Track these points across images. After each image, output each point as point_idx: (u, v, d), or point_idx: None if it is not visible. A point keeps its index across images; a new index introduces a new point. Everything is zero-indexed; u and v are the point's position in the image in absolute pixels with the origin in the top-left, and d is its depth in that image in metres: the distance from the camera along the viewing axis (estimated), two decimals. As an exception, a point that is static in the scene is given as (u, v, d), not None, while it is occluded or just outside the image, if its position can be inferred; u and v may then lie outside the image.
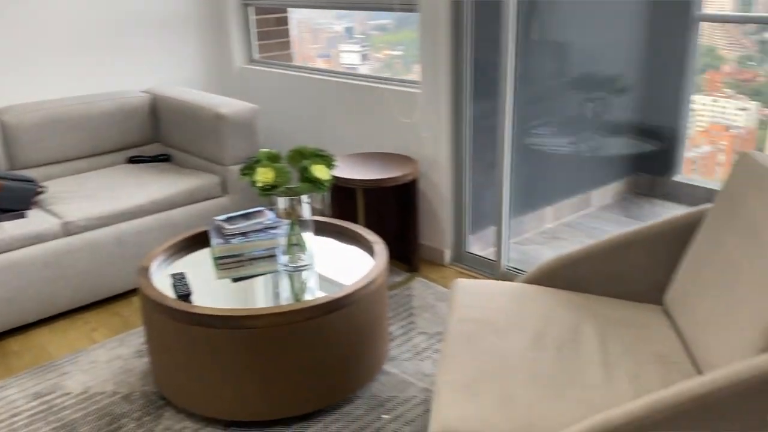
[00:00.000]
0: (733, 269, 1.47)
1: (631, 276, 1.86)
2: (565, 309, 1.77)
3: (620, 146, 3.88)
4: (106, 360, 2.30)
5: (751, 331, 1.32)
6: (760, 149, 4.97)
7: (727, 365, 1.21)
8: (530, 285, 1.92)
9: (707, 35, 5.26)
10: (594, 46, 3.49)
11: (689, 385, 1.18)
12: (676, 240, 1.80)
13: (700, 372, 1.48)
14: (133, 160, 3.19)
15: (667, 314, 1.76)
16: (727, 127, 5.20)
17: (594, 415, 1.23)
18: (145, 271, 2.06)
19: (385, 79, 3.06)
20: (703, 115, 5.32)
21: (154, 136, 3.31)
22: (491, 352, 1.56)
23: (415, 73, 2.95)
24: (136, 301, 2.72)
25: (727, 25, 4.85)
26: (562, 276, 1.91)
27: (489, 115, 2.71)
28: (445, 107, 2.73)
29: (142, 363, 2.27)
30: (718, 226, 1.61)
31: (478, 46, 2.69)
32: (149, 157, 3.21)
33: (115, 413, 2.01)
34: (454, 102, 2.74)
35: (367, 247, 2.24)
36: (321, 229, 2.40)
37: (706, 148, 5.27)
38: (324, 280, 2.09)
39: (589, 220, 3.57)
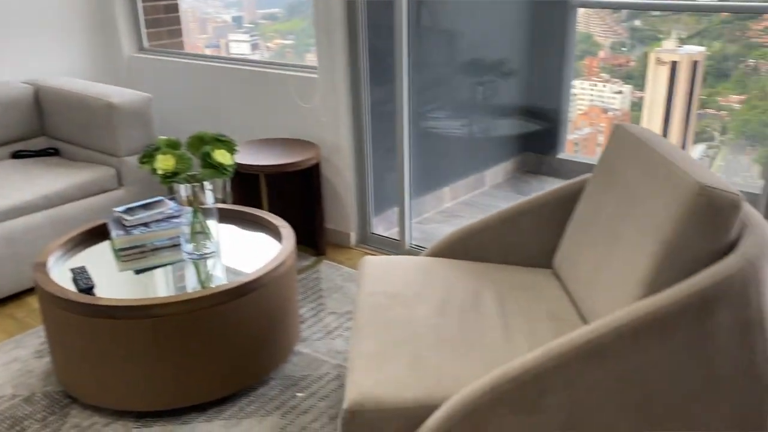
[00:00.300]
0: (611, 230, 1.63)
1: (523, 244, 2.00)
2: (466, 277, 1.88)
3: (509, 127, 4.09)
4: (2, 363, 2.19)
5: (628, 283, 1.47)
6: None
7: (608, 314, 1.35)
8: (433, 258, 2.02)
9: (584, 23, 5.61)
10: (481, 33, 3.66)
11: (575, 334, 1.31)
12: (561, 208, 1.96)
13: (587, 324, 1.63)
14: (17, 155, 3.02)
15: (557, 276, 1.91)
16: (605, 110, 5.58)
17: (494, 370, 1.34)
18: (41, 266, 1.98)
19: (283, 64, 3.07)
20: (583, 99, 5.68)
21: (39, 129, 3.14)
22: (400, 322, 1.64)
23: (311, 60, 2.98)
24: (31, 301, 2.60)
25: (601, 12, 5.19)
26: (462, 247, 2.03)
27: (388, 101, 2.79)
28: (343, 92, 2.78)
29: (43, 363, 2.18)
30: (597, 193, 1.77)
31: (373, 32, 2.76)
32: (35, 151, 3.05)
33: (17, 416, 1.93)
34: (352, 87, 2.80)
35: (274, 231, 2.26)
36: (225, 217, 2.39)
37: (587, 130, 5.64)
38: (231, 267, 2.09)
39: (484, 198, 3.75)
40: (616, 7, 4.81)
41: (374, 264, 1.97)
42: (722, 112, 5.22)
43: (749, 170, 5.03)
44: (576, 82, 5.72)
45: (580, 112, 5.69)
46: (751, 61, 4.80)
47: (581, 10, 5.18)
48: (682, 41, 4.93)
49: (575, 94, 5.70)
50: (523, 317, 1.69)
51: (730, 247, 1.36)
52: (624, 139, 1.74)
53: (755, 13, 4.06)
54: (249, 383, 2.01)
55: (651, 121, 5.23)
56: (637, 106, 5.41)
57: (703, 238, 1.33)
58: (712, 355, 1.29)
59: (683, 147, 5.10)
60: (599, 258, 1.65)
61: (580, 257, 1.76)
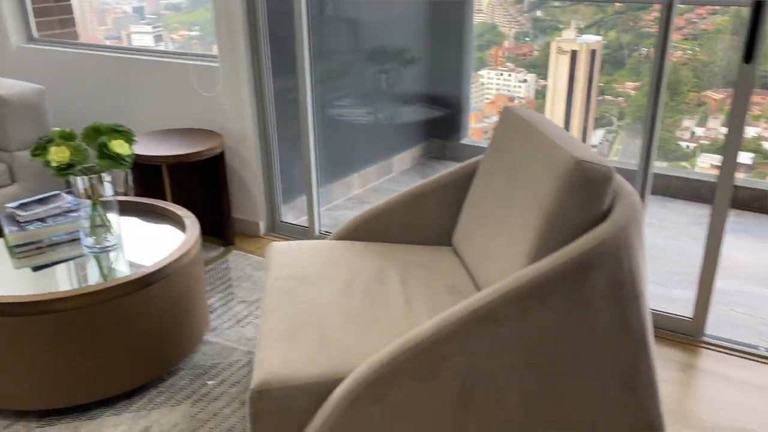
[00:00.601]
0: (500, 206, 1.73)
1: (424, 224, 2.09)
2: (371, 258, 1.94)
3: (414, 114, 4.20)
4: None
5: (516, 254, 1.58)
6: None
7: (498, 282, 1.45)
8: (339, 241, 2.07)
9: (489, 13, 5.80)
10: (383, 21, 3.73)
11: (467, 302, 1.40)
12: (458, 189, 2.05)
13: (482, 296, 1.74)
14: None
15: (456, 252, 2.01)
16: (511, 98, 5.79)
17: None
18: (-74, 267, 1.88)
19: (183, 54, 3.02)
20: (490, 88, 5.87)
21: None
22: (307, 303, 1.69)
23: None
24: None
25: (505, 3, 5.37)
26: (367, 230, 2.09)
27: (293, 89, 2.81)
28: (246, 81, 2.78)
29: (-67, 370, 2.07)
30: (488, 172, 1.88)
31: (275, 21, 2.76)
32: None
33: None
34: (254, 76, 2.80)
35: (178, 222, 2.24)
36: (127, 209, 2.35)
37: (494, 118, 5.84)
38: (134, 259, 2.06)
39: (392, 184, 3.84)
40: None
41: (281, 249, 2.00)
42: (619, 98, 5.54)
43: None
44: (483, 72, 5.90)
45: (487, 101, 5.88)
46: (643, 50, 5.12)
47: (484, 1, 5.34)
48: (581, 31, 5.19)
49: (483, 84, 5.88)
50: (424, 292, 1.77)
51: (604, 216, 1.48)
52: (511, 120, 1.85)
53: (645, 3, 4.34)
54: (157, 374, 1.99)
55: (554, 108, 5.47)
56: (541, 94, 5.65)
57: (580, 208, 1.45)
58: (590, 314, 1.41)
59: (584, 132, 5.39)
60: (491, 233, 1.75)
61: (475, 233, 1.86)
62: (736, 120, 1.97)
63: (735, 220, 3.27)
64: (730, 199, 2.07)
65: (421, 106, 4.20)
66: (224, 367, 2.08)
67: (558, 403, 1.45)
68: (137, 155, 2.57)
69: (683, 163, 5.03)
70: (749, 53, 1.88)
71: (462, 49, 4.06)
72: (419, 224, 2.09)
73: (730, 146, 2.01)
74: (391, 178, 3.91)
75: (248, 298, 2.48)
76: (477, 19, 5.68)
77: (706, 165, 5.16)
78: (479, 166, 1.99)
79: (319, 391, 1.42)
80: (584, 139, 5.32)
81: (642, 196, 2.22)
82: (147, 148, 2.65)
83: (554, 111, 5.43)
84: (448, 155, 4.20)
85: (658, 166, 4.25)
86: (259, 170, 2.93)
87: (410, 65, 3.98)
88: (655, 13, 4.90)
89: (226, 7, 2.70)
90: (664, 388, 2.02)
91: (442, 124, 4.24)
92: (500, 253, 1.67)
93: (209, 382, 2.01)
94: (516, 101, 5.75)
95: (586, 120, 5.24)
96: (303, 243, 2.04)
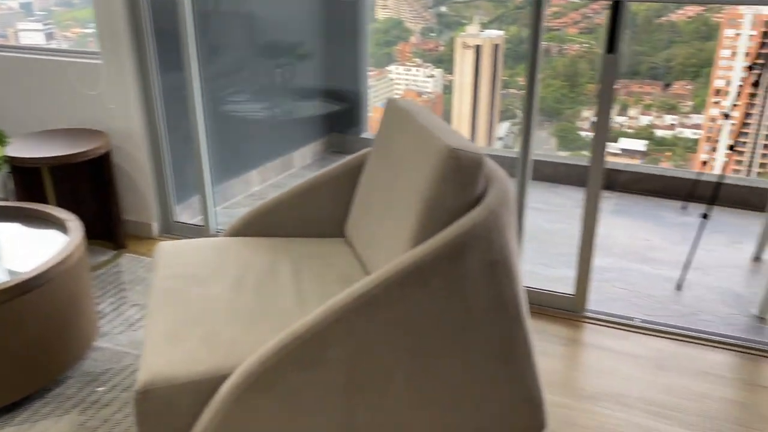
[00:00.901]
0: (386, 195, 1.78)
1: (316, 216, 2.10)
2: (263, 253, 1.94)
3: (314, 109, 4.20)
4: None
5: (400, 240, 1.62)
6: (448, 111, 5.76)
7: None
8: (230, 238, 2.05)
9: (395, 9, 5.86)
10: (277, 16, 3.71)
11: (350, 289, 1.43)
12: (348, 181, 2.09)
13: (371, 284, 1.78)
14: None
15: (349, 243, 2.05)
16: (420, 93, 5.88)
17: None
18: None
19: (63, 51, 2.89)
20: (399, 83, 5.94)
21: None
22: (194, 301, 1.67)
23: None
24: None
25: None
26: (259, 225, 2.09)
27: (183, 86, 2.75)
28: (131, 78, 2.69)
29: None
30: (375, 163, 1.92)
31: (160, 16, 2.69)
32: None
33: None
34: (140, 73, 2.72)
35: (60, 226, 2.15)
36: (6, 215, 2.23)
37: None
38: (12, 266, 1.97)
39: (293, 179, 3.83)
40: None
41: (169, 249, 1.96)
42: (522, 92, 5.76)
43: (548, 143, 5.62)
44: (392, 67, 5.95)
45: (397, 96, 5.93)
46: (543, 43, 5.35)
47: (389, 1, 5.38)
48: (484, 26, 5.35)
49: (392, 79, 5.94)
50: (316, 283, 1.79)
51: (479, 200, 1.55)
52: (395, 112, 1.89)
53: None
54: (42, 384, 1.91)
55: (462, 102, 5.62)
56: (449, 88, 5.77)
57: (455, 193, 1.51)
58: (467, 293, 1.48)
59: (491, 124, 5.55)
60: (379, 221, 1.79)
61: (365, 222, 1.90)
62: (603, 107, 2.11)
63: (617, 202, 3.49)
64: (601, 182, 2.21)
65: (320, 101, 4.21)
66: (115, 373, 2.02)
67: (441, 381, 1.51)
68: (13, 157, 2.44)
69: (584, 152, 5.31)
70: (611, 44, 2.02)
71: (358, 45, 4.10)
72: (312, 217, 2.11)
73: (598, 133, 2.15)
74: (292, 174, 3.90)
75: (141, 301, 2.42)
76: (383, 14, 5.74)
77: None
78: (368, 158, 2.03)
79: (205, 388, 1.41)
80: (491, 132, 5.50)
81: (522, 181, 2.34)
82: (24, 149, 2.52)
83: (462, 105, 5.58)
84: (350, 149, 4.23)
85: (559, 155, 4.47)
86: (150, 170, 2.85)
87: (306, 60, 3.98)
88: (554, 8, 5.13)
89: (107, 2, 2.61)
90: (550, 362, 2.14)
91: (342, 119, 4.27)
92: (387, 240, 1.71)
93: (99, 389, 1.95)
94: (425, 96, 5.86)
95: (492, 112, 5.42)
96: (192, 242, 2.01)
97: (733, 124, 2.79)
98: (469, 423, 1.57)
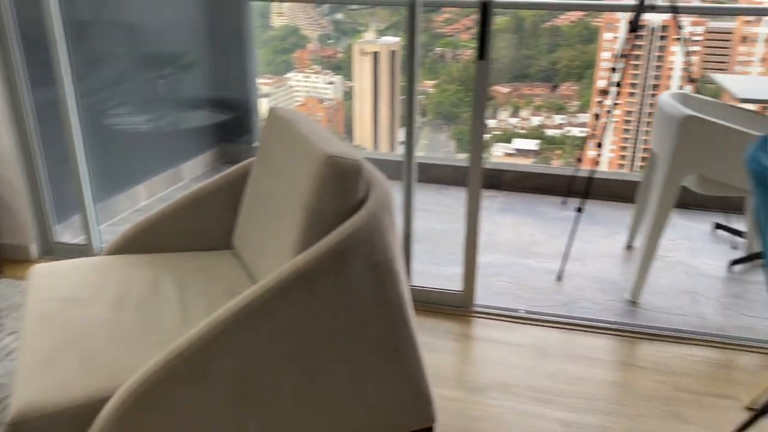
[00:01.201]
0: (270, 205, 1.78)
1: (202, 229, 2.07)
2: (145, 270, 1.89)
3: (202, 119, 4.11)
4: None
5: (285, 250, 1.63)
6: (350, 117, 5.79)
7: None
8: (111, 256, 1.98)
9: (291, 16, 5.82)
10: (158, 25, 3.60)
11: (234, 301, 1.42)
12: (234, 191, 2.07)
13: (260, 294, 1.77)
14: None
15: (237, 255, 2.02)
16: (321, 100, 5.87)
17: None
18: None
19: None
20: (299, 91, 5.90)
21: None
22: (71, 324, 1.60)
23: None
24: None
25: (306, 7, 5.45)
26: (142, 241, 2.02)
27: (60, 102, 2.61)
28: (-4, 93, 2.54)
29: None
30: (259, 173, 1.91)
31: (27, 29, 2.55)
32: None
33: None
34: (8, 88, 2.56)
35: None
36: None
37: None
38: None
39: (182, 192, 3.71)
40: (282, 0, 5.06)
41: (44, 271, 1.86)
42: (420, 97, 5.88)
43: (448, 145, 5.76)
44: (291, 74, 5.90)
45: (298, 103, 5.91)
46: (438, 50, 5.49)
47: (285, 4, 5.34)
48: (380, 33, 5.42)
49: (291, 87, 5.89)
50: (202, 298, 1.76)
51: (360, 205, 1.59)
52: (276, 121, 1.90)
53: (391, 4, 4.63)
54: None
55: (362, 108, 5.66)
56: (349, 95, 5.80)
57: (335, 200, 1.54)
58: (352, 297, 1.50)
59: (392, 129, 5.63)
60: (264, 231, 1.79)
61: (251, 233, 1.89)
62: (477, 111, 2.21)
63: (503, 200, 3.65)
64: (481, 181, 2.31)
65: (208, 111, 4.13)
66: (-10, 407, 1.90)
67: (331, 385, 1.53)
68: None
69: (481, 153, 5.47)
70: (482, 51, 2.12)
71: (246, 53, 4.05)
72: (198, 230, 2.07)
73: (474, 135, 2.25)
74: (182, 186, 3.80)
75: (18, 329, 2.28)
76: (279, 21, 5.69)
77: (500, 153, 5.69)
78: (252, 167, 2.02)
79: (84, 413, 1.36)
80: (392, 137, 5.58)
81: (409, 184, 2.40)
82: None
83: (363, 110, 5.63)
84: (242, 158, 4.16)
85: (458, 158, 4.61)
86: (24, 190, 2.69)
87: (191, 70, 3.89)
88: (446, 14, 5.28)
89: (-36, 12, 2.44)
90: (441, 357, 2.21)
91: (232, 128, 4.20)
92: (272, 249, 1.71)
93: (-29, 426, 1.82)
94: (326, 103, 5.86)
95: (392, 118, 5.50)
96: (70, 262, 1.92)
97: (596, 123, 2.98)
98: (361, 422, 1.60)
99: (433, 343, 2.28)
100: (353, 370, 1.55)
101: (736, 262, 2.86)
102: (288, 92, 5.88)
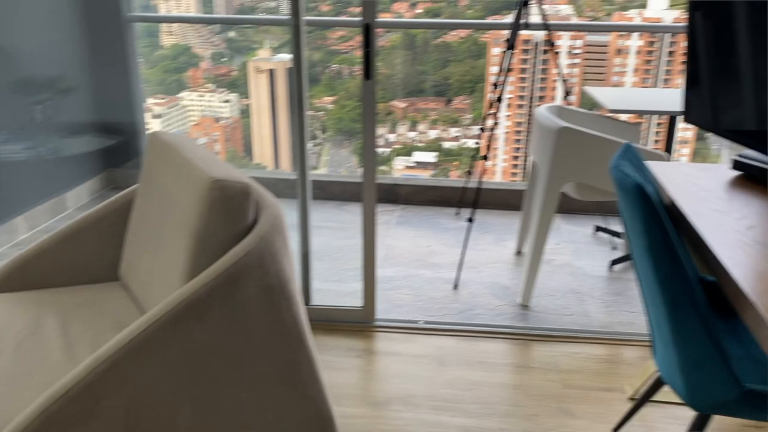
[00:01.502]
0: (157, 233, 1.72)
1: (86, 261, 1.97)
2: (25, 308, 1.78)
3: (85, 145, 3.93)
4: None
5: (174, 278, 1.59)
6: (248, 136, 5.69)
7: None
8: (-15, 296, 1.85)
9: (181, 35, 5.67)
10: (30, 48, 3.41)
11: (121, 335, 1.37)
12: (118, 220, 1.99)
13: (150, 325, 1.71)
14: None
15: (124, 286, 1.95)
16: (217, 119, 5.75)
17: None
18: None
19: None
20: (193, 110, 5.75)
21: None
22: (-62, 373, 1.48)
23: None
24: None
25: (196, 25, 5.33)
26: (20, 278, 1.90)
27: None
28: None
29: None
30: (143, 200, 1.85)
31: None
32: None
33: None
34: None
35: None
36: None
37: (202, 140, 5.73)
38: None
39: (67, 222, 3.54)
40: (170, 21, 4.98)
41: None
42: (320, 113, 5.87)
43: (350, 161, 5.79)
44: (184, 94, 5.73)
45: (193, 123, 5.74)
46: (334, 66, 5.51)
47: (174, 25, 5.21)
48: (275, 50, 5.39)
49: (185, 106, 5.73)
50: (87, 333, 1.68)
51: (250, 228, 1.57)
52: (158, 146, 1.85)
53: (275, 24, 4.63)
54: None
55: (261, 125, 5.58)
56: (246, 113, 5.71)
57: (224, 224, 1.52)
58: (246, 322, 1.49)
59: (293, 146, 5.59)
60: (152, 260, 1.73)
61: (139, 263, 1.82)
62: (368, 127, 2.25)
63: (401, 214, 3.72)
64: (375, 195, 2.35)
65: (92, 136, 3.95)
66: None
67: (229, 411, 1.50)
68: None
69: (382, 167, 5.56)
70: (367, 71, 2.16)
71: (128, 74, 3.91)
72: (81, 262, 1.97)
73: (366, 150, 2.29)
74: (66, 216, 3.61)
75: None
76: (169, 41, 5.53)
77: (401, 166, 5.78)
78: (136, 194, 1.95)
79: (-45, 469, 1.26)
80: (293, 153, 5.54)
81: (304, 202, 2.41)
82: None
83: (261, 128, 5.56)
84: (130, 184, 4.01)
85: (360, 173, 4.63)
86: None
87: (69, 94, 3.71)
88: (340, 32, 5.33)
89: None
90: (344, 375, 2.21)
91: (119, 153, 4.04)
92: (161, 279, 1.66)
93: None
94: (222, 122, 5.74)
95: (292, 135, 5.47)
96: (-64, 305, 1.77)
97: (482, 136, 3.11)
98: (262, 450, 1.58)
99: (336, 362, 2.28)
100: (252, 397, 1.52)
101: (615, 261, 3.06)
102: (182, 112, 5.74)
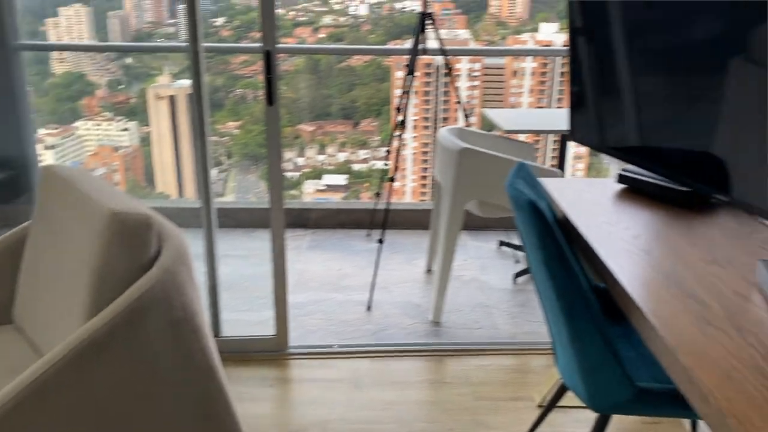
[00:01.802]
0: (54, 271, 1.64)
1: (-26, 305, 1.85)
2: None
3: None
4: None
5: (75, 318, 1.51)
6: (150, 164, 5.48)
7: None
8: None
9: (75, 63, 5.42)
10: None
11: (15, 382, 1.29)
12: (10, 259, 1.88)
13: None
14: None
15: (18, 329, 1.83)
16: (116, 148, 5.51)
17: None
18: None
19: None
20: (90, 140, 5.48)
21: None
22: None
23: None
24: None
25: (90, 52, 5.12)
26: None
27: None
28: None
29: None
30: (38, 237, 1.76)
31: None
32: None
33: None
34: None
35: None
36: None
37: (101, 171, 5.47)
38: None
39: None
40: (62, 49, 4.80)
41: None
42: (225, 138, 5.76)
43: (259, 186, 5.69)
44: (79, 123, 5.46)
45: (90, 152, 5.47)
46: (239, 91, 5.43)
47: (66, 52, 4.97)
48: (175, 76, 5.25)
49: (81, 136, 5.45)
50: (-23, 383, 1.57)
51: (153, 261, 1.53)
52: (52, 180, 1.77)
53: (173, 51, 4.57)
54: None
55: (162, 153, 5.39)
56: (146, 140, 5.51)
57: (125, 258, 1.47)
58: (152, 357, 1.44)
59: (196, 173, 5.45)
60: (49, 300, 1.65)
61: (35, 303, 1.73)
62: (272, 153, 2.25)
63: (312, 238, 3.71)
64: (283, 221, 2.34)
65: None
66: None
67: (137, 455, 1.45)
68: None
69: (292, 192, 5.52)
70: (270, 97, 2.17)
71: (17, 104, 3.71)
72: (-31, 307, 1.85)
73: (272, 176, 2.29)
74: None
75: None
76: (60, 68, 5.28)
77: (312, 190, 5.76)
78: (29, 231, 1.85)
79: None
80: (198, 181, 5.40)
81: (209, 231, 2.36)
82: None
83: (163, 156, 5.38)
84: (21, 221, 3.79)
85: (260, 199, 4.57)
86: None
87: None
88: (243, 57, 5.27)
89: None
90: (259, 406, 2.17)
91: (7, 188, 3.81)
92: (60, 318, 1.58)
93: None
94: (121, 150, 5.51)
95: (195, 162, 5.33)
96: None
97: (388, 159, 3.18)
98: (175, 490, 1.52)
99: (250, 393, 2.24)
100: (160, 435, 1.47)
101: (519, 274, 3.19)
102: (78, 142, 5.49)
